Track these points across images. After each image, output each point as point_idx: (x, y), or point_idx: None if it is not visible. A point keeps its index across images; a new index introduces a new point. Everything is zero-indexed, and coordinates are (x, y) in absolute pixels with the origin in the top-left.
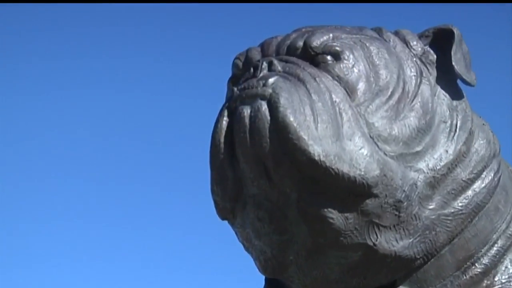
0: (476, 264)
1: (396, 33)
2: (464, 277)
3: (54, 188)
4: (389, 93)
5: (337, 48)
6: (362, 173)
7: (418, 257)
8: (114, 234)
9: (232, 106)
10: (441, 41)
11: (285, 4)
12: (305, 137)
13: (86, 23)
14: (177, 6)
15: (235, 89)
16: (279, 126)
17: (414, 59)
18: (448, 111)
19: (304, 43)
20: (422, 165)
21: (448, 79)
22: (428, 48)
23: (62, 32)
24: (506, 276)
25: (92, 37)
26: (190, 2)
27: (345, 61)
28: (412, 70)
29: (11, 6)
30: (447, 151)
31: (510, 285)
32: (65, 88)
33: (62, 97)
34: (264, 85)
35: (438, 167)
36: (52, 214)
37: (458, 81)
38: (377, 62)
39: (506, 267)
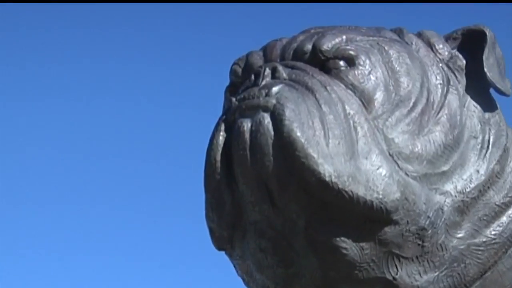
0: None
1: (419, 35)
2: None
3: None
4: (411, 104)
5: (351, 52)
6: (380, 196)
7: None
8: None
9: (230, 119)
10: (471, 44)
11: (290, 4)
12: (314, 155)
13: (84, 24)
14: (171, 6)
15: (234, 99)
16: (284, 142)
17: (440, 64)
18: (479, 125)
19: (313, 47)
20: (449, 187)
21: (479, 88)
22: (456, 52)
23: (59, 32)
24: None
25: (86, 39)
26: (185, 2)
27: (360, 67)
28: (438, 77)
29: (11, 6)
30: (478, 171)
31: None
32: (59, 90)
33: (54, 100)
34: (267, 94)
35: (468, 190)
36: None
37: (491, 90)
38: (398, 69)
39: None
